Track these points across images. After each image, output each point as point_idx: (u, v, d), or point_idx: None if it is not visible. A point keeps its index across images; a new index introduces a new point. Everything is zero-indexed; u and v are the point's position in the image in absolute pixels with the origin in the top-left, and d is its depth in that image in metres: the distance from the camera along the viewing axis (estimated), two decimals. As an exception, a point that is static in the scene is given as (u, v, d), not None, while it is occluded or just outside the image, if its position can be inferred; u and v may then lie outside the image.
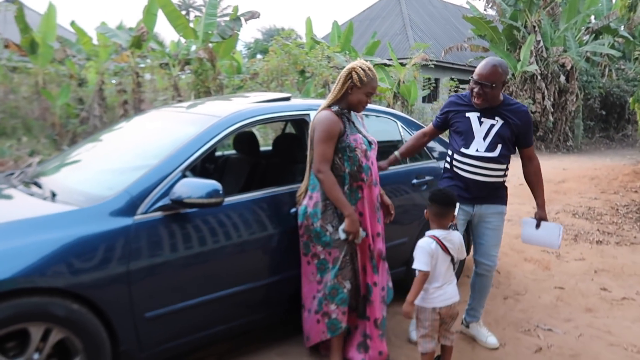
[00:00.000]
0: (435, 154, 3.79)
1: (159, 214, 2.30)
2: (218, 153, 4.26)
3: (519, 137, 2.84)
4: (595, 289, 3.98)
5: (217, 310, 2.49)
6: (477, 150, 2.82)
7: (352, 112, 2.68)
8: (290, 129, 4.02)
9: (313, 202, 2.56)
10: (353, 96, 2.57)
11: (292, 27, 43.71)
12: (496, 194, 2.92)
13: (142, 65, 10.27)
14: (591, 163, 11.51)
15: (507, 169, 2.90)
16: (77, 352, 2.06)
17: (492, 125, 2.82)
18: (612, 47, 16.62)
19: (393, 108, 13.47)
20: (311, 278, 2.61)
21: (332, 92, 2.62)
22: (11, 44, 10.36)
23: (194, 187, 2.29)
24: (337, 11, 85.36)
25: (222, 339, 2.73)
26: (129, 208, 2.24)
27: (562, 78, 15.06)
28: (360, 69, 2.54)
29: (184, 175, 2.45)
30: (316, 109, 3.09)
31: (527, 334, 3.18)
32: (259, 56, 16.24)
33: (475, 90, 2.76)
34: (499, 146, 2.80)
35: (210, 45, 9.71)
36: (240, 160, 3.80)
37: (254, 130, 4.59)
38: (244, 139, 3.77)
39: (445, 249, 2.49)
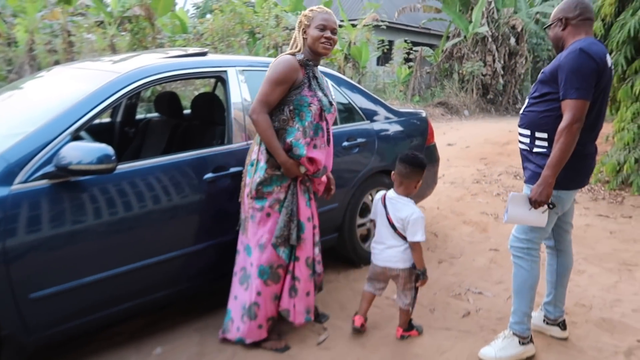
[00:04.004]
0: (375, 117, 3.60)
1: (44, 182, 2.04)
2: (140, 116, 3.96)
3: (558, 84, 2.22)
4: (529, 250, 3.99)
5: (118, 287, 2.27)
6: None
7: (317, 71, 2.51)
8: (220, 89, 3.74)
9: (263, 157, 2.42)
10: (308, 39, 2.41)
11: (245, -14, 42.04)
12: (527, 167, 2.38)
13: (72, 24, 9.48)
14: (537, 125, 11.70)
15: (533, 135, 2.32)
16: (-56, 340, 1.82)
17: None
18: (561, 9, 16.76)
19: (343, 70, 13.21)
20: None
21: (292, 43, 2.49)
22: None
23: (82, 152, 2.03)
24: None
25: (133, 315, 2.53)
26: (5, 176, 1.96)
27: (512, 40, 15.15)
28: (306, 10, 2.46)
29: (76, 138, 2.18)
30: (236, 66, 2.86)
31: (458, 298, 3.13)
32: (208, 16, 15.51)
33: None
34: (527, 100, 2.43)
35: (147, 1, 9.06)
36: (161, 123, 3.52)
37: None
38: (164, 100, 3.48)
39: (384, 205, 2.56)
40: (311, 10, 2.46)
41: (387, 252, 2.56)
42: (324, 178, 2.65)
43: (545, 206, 2.26)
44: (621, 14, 5.40)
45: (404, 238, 2.52)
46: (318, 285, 2.61)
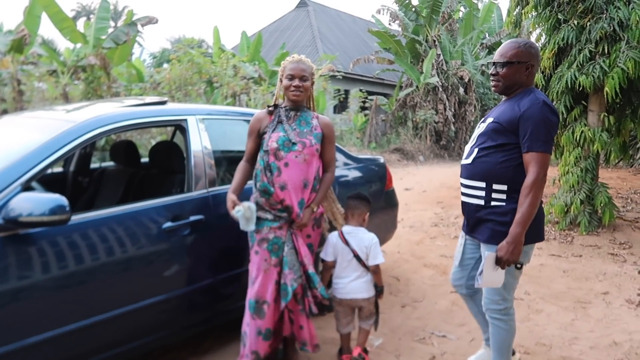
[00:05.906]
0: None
1: (-11, 236, 1.93)
2: (95, 165, 3.86)
3: (518, 136, 2.16)
4: (488, 291, 4.05)
5: (75, 344, 2.13)
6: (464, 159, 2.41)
7: (297, 112, 2.59)
8: (179, 137, 3.71)
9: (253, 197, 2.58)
10: (282, 88, 2.59)
11: (202, 37, 42.85)
12: (483, 224, 2.27)
13: (22, 73, 9.30)
14: (488, 169, 12.16)
15: (489, 187, 2.21)
16: None
17: (484, 125, 2.33)
18: (504, 61, 17.90)
19: (302, 118, 13.41)
20: (264, 266, 2.48)
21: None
22: None
23: (33, 203, 1.94)
24: (248, 22, 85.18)
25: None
26: (-52, 230, 1.85)
27: (461, 90, 15.97)
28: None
29: (27, 189, 2.09)
30: (196, 114, 2.86)
31: (422, 343, 3.11)
32: (165, 65, 15.58)
33: (491, 71, 2.33)
34: (476, 150, 2.28)
35: (102, 51, 9.04)
36: (117, 172, 3.44)
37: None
38: (120, 148, 3.42)
39: (345, 242, 2.67)
40: (284, 61, 2.61)
41: (352, 284, 2.69)
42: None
43: (513, 265, 2.16)
44: (559, 66, 5.80)
45: (366, 268, 2.69)
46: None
